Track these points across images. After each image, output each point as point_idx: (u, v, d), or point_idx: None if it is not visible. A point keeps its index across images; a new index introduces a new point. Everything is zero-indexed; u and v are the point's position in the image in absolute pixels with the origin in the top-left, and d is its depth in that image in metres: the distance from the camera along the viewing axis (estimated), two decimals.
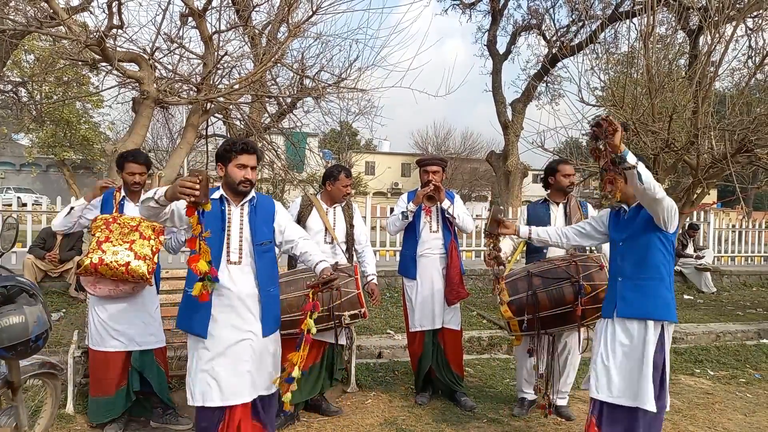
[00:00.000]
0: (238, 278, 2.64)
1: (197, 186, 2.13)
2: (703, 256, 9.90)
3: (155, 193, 2.36)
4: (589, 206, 3.95)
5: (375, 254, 4.69)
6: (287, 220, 2.82)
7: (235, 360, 2.64)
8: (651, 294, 2.71)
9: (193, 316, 2.64)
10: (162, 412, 3.54)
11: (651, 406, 2.60)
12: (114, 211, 3.37)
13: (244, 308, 2.66)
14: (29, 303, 2.30)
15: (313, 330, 2.59)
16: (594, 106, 5.93)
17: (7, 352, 2.22)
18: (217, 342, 2.64)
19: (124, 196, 3.44)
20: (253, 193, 2.73)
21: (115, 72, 5.20)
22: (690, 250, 10.05)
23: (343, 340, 4.03)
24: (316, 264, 2.76)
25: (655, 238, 2.70)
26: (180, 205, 2.45)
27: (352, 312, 3.56)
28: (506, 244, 3.56)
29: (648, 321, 2.67)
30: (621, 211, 2.86)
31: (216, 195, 2.65)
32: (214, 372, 2.63)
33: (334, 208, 3.98)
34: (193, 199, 2.15)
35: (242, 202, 2.70)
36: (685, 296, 9.03)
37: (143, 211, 2.49)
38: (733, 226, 12.29)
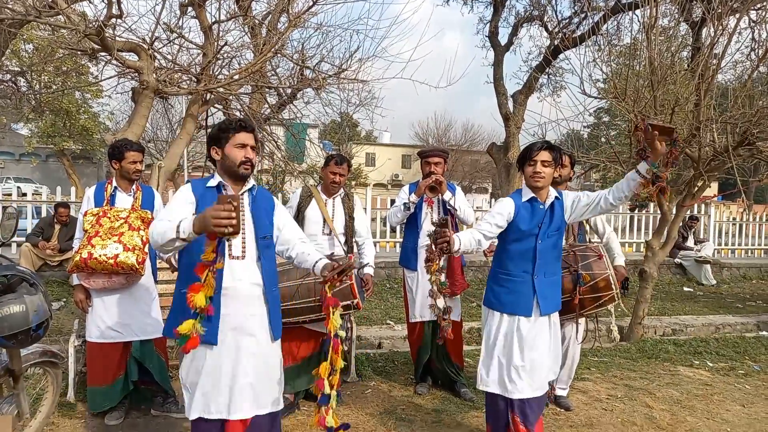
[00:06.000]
0: (241, 276, 2.32)
1: (234, 215, 1.83)
2: (700, 249, 9.92)
3: (180, 231, 1.99)
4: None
5: (375, 245, 4.69)
6: (287, 217, 2.56)
7: (234, 369, 2.33)
8: (558, 286, 2.91)
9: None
10: (162, 400, 3.56)
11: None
12: (105, 203, 3.37)
13: (247, 310, 2.34)
14: (30, 292, 2.31)
15: (342, 333, 2.32)
16: (596, 98, 5.90)
17: (8, 340, 2.23)
18: (216, 348, 2.32)
19: (115, 188, 3.43)
20: (253, 182, 2.46)
21: (114, 62, 5.16)
22: (690, 242, 10.06)
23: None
24: (315, 263, 2.41)
25: (563, 232, 2.84)
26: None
27: (345, 303, 3.55)
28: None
29: (555, 312, 2.89)
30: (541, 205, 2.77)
31: (213, 183, 2.37)
32: (213, 381, 2.32)
33: (334, 199, 3.97)
34: (231, 230, 1.84)
35: (242, 191, 2.40)
36: (685, 288, 9.06)
37: (166, 248, 2.10)
38: (734, 218, 12.30)
